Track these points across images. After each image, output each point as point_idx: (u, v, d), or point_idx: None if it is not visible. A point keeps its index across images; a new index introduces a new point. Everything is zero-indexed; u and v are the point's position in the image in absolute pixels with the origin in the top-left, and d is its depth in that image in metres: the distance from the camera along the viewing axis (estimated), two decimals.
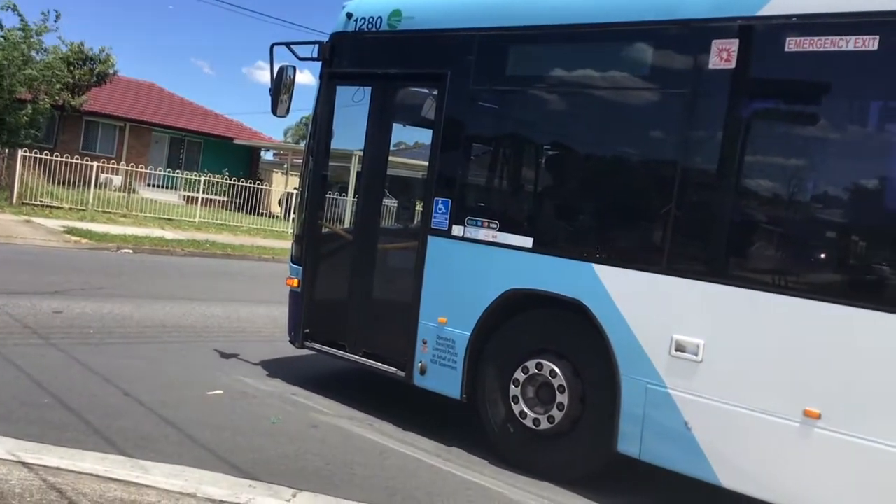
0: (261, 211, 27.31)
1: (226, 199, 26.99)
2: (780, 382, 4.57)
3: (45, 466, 4.46)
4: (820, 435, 4.40)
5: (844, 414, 4.35)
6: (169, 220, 23.36)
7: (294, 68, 7.22)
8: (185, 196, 26.94)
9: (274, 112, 7.24)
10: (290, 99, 7.26)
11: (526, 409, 5.66)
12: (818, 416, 4.40)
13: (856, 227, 4.74)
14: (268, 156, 44.54)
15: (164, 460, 4.93)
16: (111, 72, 29.92)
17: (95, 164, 23.40)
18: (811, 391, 4.45)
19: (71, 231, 17.51)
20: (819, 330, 4.47)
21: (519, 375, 5.71)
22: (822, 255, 4.85)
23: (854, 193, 4.73)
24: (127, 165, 24.98)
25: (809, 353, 4.49)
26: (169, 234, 19.99)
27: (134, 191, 25.75)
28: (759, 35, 4.90)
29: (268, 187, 30.97)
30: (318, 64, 7.14)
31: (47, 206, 21.29)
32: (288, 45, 7.20)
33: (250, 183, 27.44)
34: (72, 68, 27.71)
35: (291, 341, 7.34)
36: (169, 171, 27.34)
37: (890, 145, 4.65)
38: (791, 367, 4.54)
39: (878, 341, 4.28)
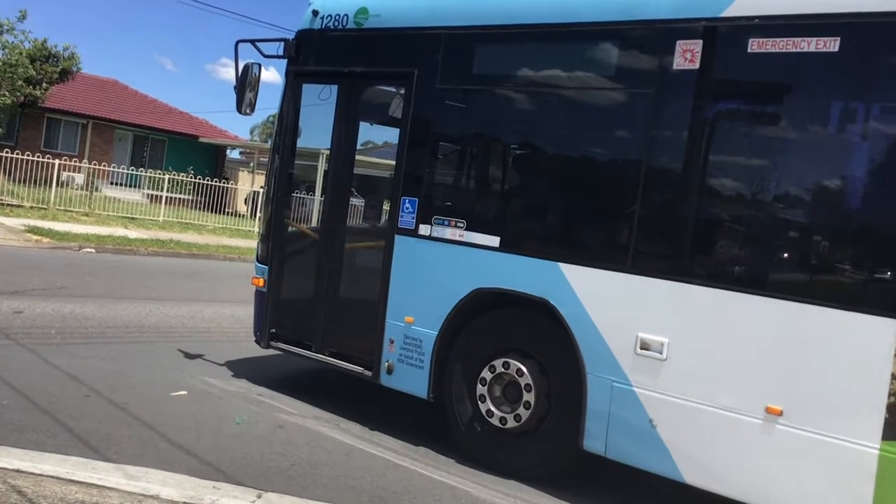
0: (227, 210, 27.05)
1: (191, 197, 26.71)
2: (743, 380, 4.63)
3: (5, 469, 4.40)
4: (781, 431, 4.46)
5: (806, 411, 4.41)
6: (132, 219, 23.06)
7: (259, 66, 7.17)
8: (148, 195, 26.62)
9: (239, 110, 7.18)
10: (255, 97, 7.20)
11: (493, 408, 5.67)
12: (780, 413, 4.46)
13: (817, 227, 4.80)
14: (234, 154, 44.16)
15: (126, 462, 4.87)
16: (75, 69, 29.49)
17: (57, 161, 23.01)
18: (773, 388, 4.51)
19: (32, 230, 17.22)
20: (781, 328, 4.53)
21: (486, 374, 5.72)
22: (784, 254, 4.93)
23: (815, 193, 4.80)
24: (89, 163, 24.68)
25: (772, 350, 4.56)
26: (132, 233, 19.73)
27: (97, 189, 25.41)
28: (722, 36, 4.95)
29: (234, 186, 30.70)
30: (284, 61, 7.10)
31: (7, 205, 20.92)
32: (253, 42, 7.15)
33: (216, 182, 27.17)
34: (35, 64, 27.26)
35: (257, 341, 7.28)
36: (132, 170, 26.95)
37: (850, 146, 4.72)
38: (754, 365, 4.60)
39: (838, 339, 4.35)
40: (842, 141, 4.74)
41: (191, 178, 25.80)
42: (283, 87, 7.13)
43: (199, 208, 26.36)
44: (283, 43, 7.06)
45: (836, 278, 4.62)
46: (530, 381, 5.51)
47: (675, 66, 5.03)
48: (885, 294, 4.31)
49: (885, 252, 4.46)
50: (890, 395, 4.13)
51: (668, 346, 4.89)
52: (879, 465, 4.14)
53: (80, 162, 26.05)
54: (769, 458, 4.51)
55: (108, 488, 4.33)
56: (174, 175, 25.87)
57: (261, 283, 7.18)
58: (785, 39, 4.62)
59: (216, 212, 26.11)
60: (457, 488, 5.32)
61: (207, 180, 26.15)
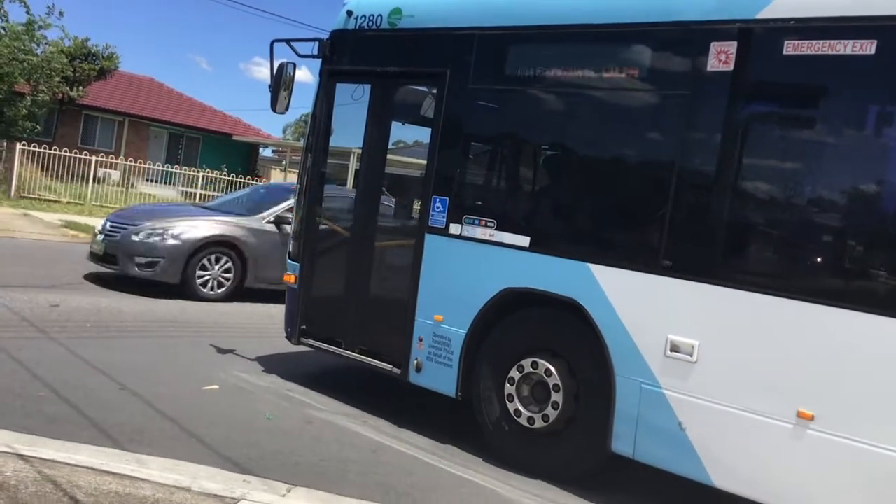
0: None
1: (224, 195, 26.93)
2: (775, 383, 4.59)
3: (40, 459, 4.47)
4: (813, 436, 4.42)
5: (838, 416, 4.37)
6: None
7: (294, 65, 7.23)
8: (183, 192, 26.93)
9: (273, 108, 7.24)
10: (289, 95, 7.27)
11: (521, 408, 5.68)
12: (811, 418, 4.42)
13: (852, 231, 4.75)
14: (266, 152, 44.55)
15: (159, 454, 4.93)
16: (114, 68, 29.93)
17: (94, 158, 23.39)
18: (805, 393, 4.47)
19: (69, 225, 17.51)
20: (813, 332, 4.49)
21: (514, 374, 5.73)
22: (818, 258, 4.87)
23: (851, 197, 4.75)
24: (125, 160, 25.02)
25: (804, 354, 4.51)
26: None
27: (132, 186, 25.78)
28: (757, 38, 4.92)
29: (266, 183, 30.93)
30: (318, 61, 7.16)
31: (45, 200, 21.31)
32: (288, 41, 7.21)
33: (249, 179, 27.42)
34: (75, 63, 27.70)
35: (288, 337, 7.35)
36: (167, 167, 27.28)
37: (886, 149, 4.66)
38: (785, 369, 4.56)
39: (871, 345, 4.30)
40: (878, 145, 4.68)
41: (224, 175, 26.07)
42: (317, 86, 7.19)
43: None
44: (317, 43, 7.11)
45: (871, 283, 4.56)
46: (559, 382, 5.51)
47: (709, 68, 5.00)
48: None
49: None
50: None
51: (699, 348, 4.86)
52: None
53: (117, 158, 26.45)
54: (800, 463, 4.48)
55: (141, 479, 4.40)
56: (208, 172, 26.15)
57: (292, 280, 7.24)
58: (821, 42, 4.57)
59: None
60: (484, 487, 5.33)
61: (241, 178, 26.41)
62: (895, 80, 4.50)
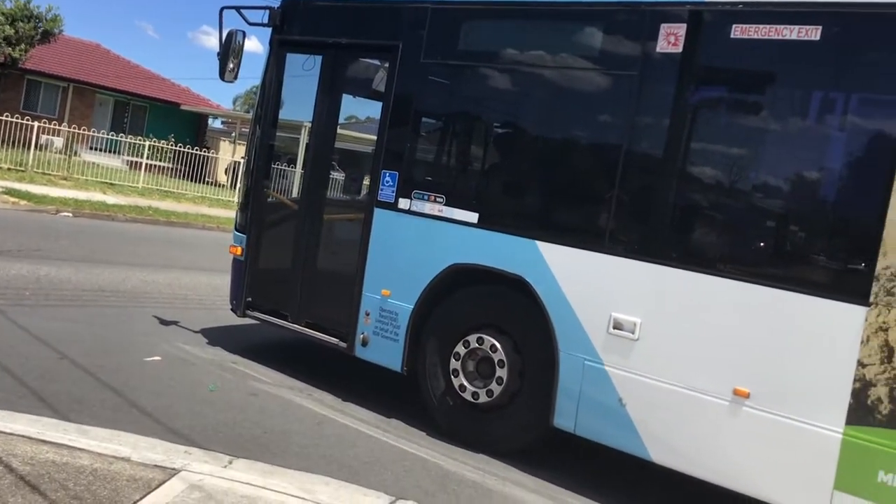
0: (207, 179, 26.87)
1: (171, 165, 26.46)
2: (713, 361, 4.70)
3: None
4: (748, 413, 4.54)
5: (773, 394, 4.49)
6: (111, 184, 22.83)
7: (243, 33, 7.11)
8: (128, 161, 26.32)
9: (222, 77, 7.13)
10: (238, 64, 7.15)
11: (465, 383, 5.72)
12: (747, 395, 4.54)
13: (792, 215, 4.87)
14: (216, 124, 43.82)
15: (99, 424, 4.85)
16: (57, 31, 29.05)
17: (36, 124, 22.69)
18: (742, 371, 4.59)
19: (9, 192, 17.02)
20: (752, 312, 4.59)
21: (460, 349, 5.76)
22: (759, 241, 4.98)
23: (791, 182, 4.86)
24: (69, 127, 24.37)
25: (742, 334, 4.62)
26: (111, 198, 19.56)
27: (76, 153, 25.10)
28: (706, 21, 4.98)
29: (215, 155, 30.42)
30: (269, 30, 7.05)
31: None
32: (238, 9, 7.07)
33: (196, 150, 26.95)
34: (15, 24, 26.83)
35: (233, 310, 7.28)
36: (112, 135, 26.67)
37: (827, 136, 4.78)
38: (723, 347, 4.67)
39: (808, 325, 4.42)
40: (819, 131, 4.80)
41: (171, 145, 25.58)
42: (267, 55, 7.09)
43: (179, 177, 26.12)
44: (268, 11, 7.00)
45: (808, 266, 4.69)
46: (503, 357, 5.56)
47: (658, 50, 5.05)
48: (854, 282, 4.36)
49: (858, 242, 4.52)
50: (855, 381, 4.21)
51: (641, 326, 4.94)
52: (842, 448, 4.23)
53: (60, 125, 25.72)
54: (735, 439, 4.59)
55: (80, 449, 4.32)
56: (155, 142, 25.62)
57: (238, 252, 7.17)
58: (767, 26, 4.65)
59: (196, 181, 25.92)
60: (427, 460, 5.37)
61: (188, 149, 25.94)
62: (838, 65, 4.60)
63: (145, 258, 12.24)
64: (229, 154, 33.88)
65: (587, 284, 5.20)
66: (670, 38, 5.00)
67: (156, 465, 4.27)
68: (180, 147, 25.42)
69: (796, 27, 4.53)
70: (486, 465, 5.44)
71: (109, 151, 26.88)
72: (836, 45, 4.53)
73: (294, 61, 7.01)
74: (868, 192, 4.44)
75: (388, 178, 6.15)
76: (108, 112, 34.51)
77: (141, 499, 3.87)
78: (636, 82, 5.18)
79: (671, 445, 4.81)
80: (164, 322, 7.94)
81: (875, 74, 4.56)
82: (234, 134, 37.31)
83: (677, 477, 4.84)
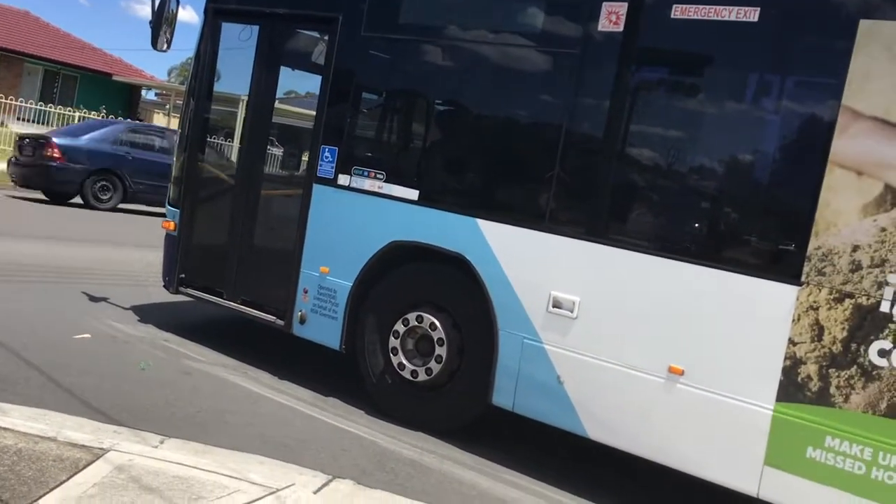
0: None
1: None
2: (649, 339, 4.74)
3: None
4: (682, 390, 4.60)
5: (706, 371, 4.55)
6: None
7: (177, 0, 6.88)
8: None
9: (154, 46, 6.90)
10: (172, 32, 6.93)
11: (404, 361, 5.68)
12: (682, 373, 4.59)
13: (725, 195, 4.92)
14: (149, 95, 42.66)
15: (24, 403, 4.70)
16: None
17: None
18: (676, 349, 4.64)
19: None
20: (686, 290, 4.64)
21: (399, 327, 5.72)
22: (693, 220, 5.02)
23: (725, 163, 4.91)
24: None
25: (676, 312, 4.67)
26: None
27: (2, 124, 24.22)
28: (647, 0, 4.98)
29: None
30: None
31: None
32: None
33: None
34: None
35: (165, 286, 7.10)
36: (41, 106, 25.77)
37: (761, 118, 4.84)
38: (658, 326, 4.71)
39: (740, 304, 4.48)
40: (755, 112, 4.86)
41: (103, 117, 24.83)
42: (201, 24, 6.88)
43: None
44: None
45: (742, 246, 4.75)
46: (443, 336, 5.53)
47: (599, 28, 5.04)
48: (786, 262, 4.45)
49: (789, 222, 4.59)
50: (786, 358, 4.30)
51: (579, 304, 4.96)
52: (772, 424, 4.31)
53: None
54: (670, 416, 4.65)
55: (4, 429, 4.16)
56: (85, 113, 24.85)
57: (171, 227, 6.98)
58: (707, 7, 4.66)
59: None
60: (364, 438, 5.33)
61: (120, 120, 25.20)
62: (775, 48, 4.65)
63: (74, 233, 11.90)
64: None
65: (527, 263, 5.20)
66: (612, 17, 4.99)
67: (83, 445, 4.15)
68: (112, 119, 24.68)
69: (735, 8, 4.56)
70: (425, 443, 5.42)
71: (39, 122, 25.98)
72: (774, 28, 4.57)
73: (230, 31, 6.82)
74: (801, 173, 4.52)
75: (327, 154, 6.04)
76: (36, 82, 33.28)
77: (67, 479, 3.76)
78: (577, 61, 5.17)
79: (608, 423, 4.85)
80: (93, 299, 7.71)
81: (811, 57, 4.62)
82: (168, 106, 36.34)
83: (617, 454, 4.90)
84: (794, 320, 4.29)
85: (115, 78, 34.47)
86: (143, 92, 39.54)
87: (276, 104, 6.84)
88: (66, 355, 5.90)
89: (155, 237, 8.08)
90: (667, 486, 5.08)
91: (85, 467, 3.92)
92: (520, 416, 5.23)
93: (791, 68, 4.70)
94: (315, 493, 4.18)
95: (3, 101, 23.21)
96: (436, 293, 5.69)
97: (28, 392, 5.00)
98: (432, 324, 5.58)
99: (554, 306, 5.04)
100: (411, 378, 5.64)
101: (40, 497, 3.59)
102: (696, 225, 5.02)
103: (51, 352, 5.88)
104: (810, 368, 4.23)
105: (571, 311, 4.98)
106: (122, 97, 35.32)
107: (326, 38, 6.26)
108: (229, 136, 18.26)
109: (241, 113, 7.05)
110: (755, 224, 4.77)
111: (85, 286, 8.10)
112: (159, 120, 36.38)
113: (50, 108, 26.38)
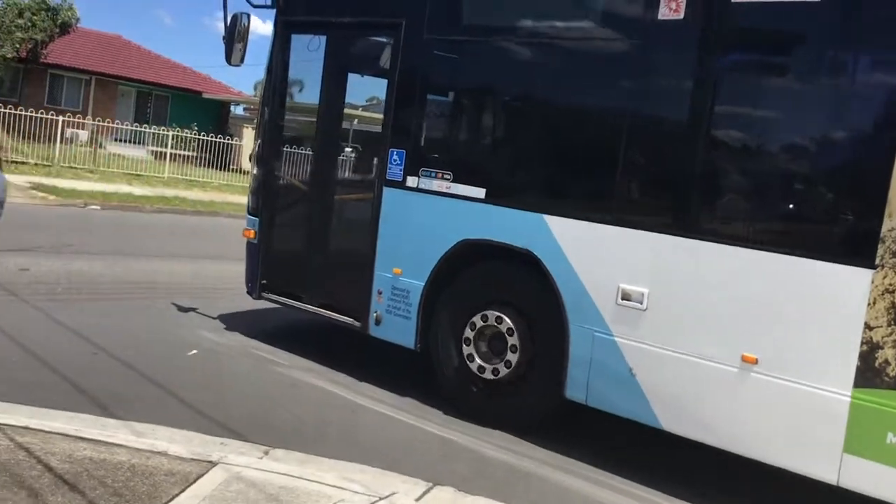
0: (231, 167, 26.99)
1: (195, 154, 26.61)
2: (720, 329, 4.67)
3: (13, 426, 4.33)
4: (756, 379, 4.51)
5: (781, 359, 4.46)
6: (137, 175, 23.07)
7: (248, 16, 7.08)
8: (153, 151, 26.55)
9: (228, 61, 7.13)
10: (244, 47, 7.14)
11: (478, 358, 5.73)
12: (755, 362, 4.51)
13: (795, 179, 4.82)
14: (238, 110, 43.86)
15: (133, 419, 4.82)
16: (74, 21, 29.24)
17: (61, 118, 22.96)
18: (749, 337, 4.55)
19: (37, 187, 17.28)
20: (756, 278, 4.55)
21: (471, 325, 5.77)
22: (762, 206, 4.92)
23: (796, 145, 4.80)
24: (93, 120, 24.58)
25: (748, 300, 4.59)
26: (137, 190, 19.78)
27: (101, 146, 25.35)
28: None
29: (238, 142, 30.49)
30: (274, 12, 7.05)
31: (12, 162, 20.90)
32: None
33: (220, 138, 27.10)
34: (33, 17, 27.06)
35: (249, 292, 7.34)
36: (136, 126, 26.90)
37: (830, 101, 4.66)
38: (730, 314, 4.64)
39: (814, 289, 4.38)
40: (821, 97, 4.69)
41: (195, 134, 25.73)
42: (272, 37, 7.10)
43: (204, 165, 26.28)
44: None
45: (812, 230, 4.64)
46: (515, 332, 5.56)
47: (660, 17, 4.99)
48: (859, 245, 4.30)
49: (862, 205, 4.44)
50: (862, 343, 4.17)
51: (648, 296, 4.92)
52: (850, 412, 4.19)
53: (84, 118, 25.94)
54: (744, 406, 4.57)
55: (117, 445, 4.29)
56: (178, 131, 25.80)
57: (252, 235, 7.22)
58: None
59: (220, 168, 26.07)
60: (455, 442, 5.39)
61: (211, 137, 26.10)
62: (842, 27, 4.52)
63: (174, 249, 12.33)
64: (252, 140, 33.98)
65: (595, 256, 5.19)
66: (671, 5, 4.94)
67: (193, 459, 4.25)
68: (204, 136, 25.57)
69: None
70: (511, 443, 5.44)
71: (134, 143, 27.09)
72: (840, 6, 4.44)
73: (299, 42, 7.02)
74: (873, 155, 4.36)
75: (395, 157, 6.16)
76: (131, 103, 34.72)
77: (180, 493, 3.84)
78: (641, 51, 5.13)
79: (681, 413, 4.80)
80: (192, 311, 7.95)
81: (877, 36, 4.45)
82: (256, 120, 37.30)
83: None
84: (869, 304, 4.16)
85: (204, 95, 35.60)
86: (232, 107, 40.71)
87: (346, 110, 7.00)
88: (171, 369, 6.09)
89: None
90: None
91: (195, 480, 4.00)
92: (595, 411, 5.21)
93: (858, 47, 4.54)
94: (417, 500, 4.19)
95: (101, 123, 24.30)
96: (506, 290, 5.73)
97: (137, 407, 5.13)
98: (503, 321, 5.62)
99: (623, 299, 5.02)
100: (485, 376, 5.69)
101: None
102: (765, 211, 4.91)
103: (157, 366, 6.07)
104: (888, 353, 4.10)
105: (641, 303, 4.95)
106: (213, 113, 36.43)
107: (391, 42, 6.37)
108: (302, 144, 18.71)
109: (312, 121, 7.20)
110: (826, 208, 4.65)
111: (186, 300, 8.30)
112: (248, 134, 37.42)
113: (145, 128, 27.47)
